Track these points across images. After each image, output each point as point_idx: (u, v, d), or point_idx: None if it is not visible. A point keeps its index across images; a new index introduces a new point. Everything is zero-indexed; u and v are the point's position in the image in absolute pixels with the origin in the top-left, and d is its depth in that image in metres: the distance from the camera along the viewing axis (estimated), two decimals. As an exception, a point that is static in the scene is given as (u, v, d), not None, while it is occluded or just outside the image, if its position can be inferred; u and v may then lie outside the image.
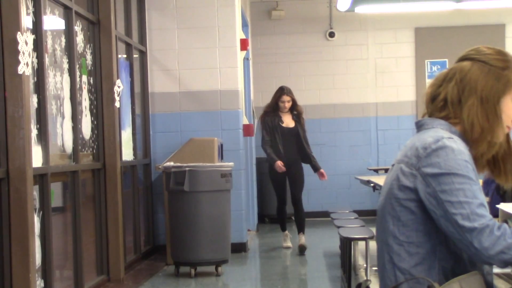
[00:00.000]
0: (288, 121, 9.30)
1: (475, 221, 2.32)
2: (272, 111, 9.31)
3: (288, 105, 9.28)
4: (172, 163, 7.75)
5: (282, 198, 9.46)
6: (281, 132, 9.21)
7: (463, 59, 2.59)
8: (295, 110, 9.35)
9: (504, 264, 2.33)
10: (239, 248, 8.91)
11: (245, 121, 9.70)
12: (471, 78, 2.52)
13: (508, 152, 2.57)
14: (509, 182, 2.59)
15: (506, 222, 2.60)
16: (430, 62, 12.81)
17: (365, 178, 8.77)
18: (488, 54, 2.55)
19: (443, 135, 2.46)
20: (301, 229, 9.46)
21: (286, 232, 9.77)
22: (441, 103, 2.56)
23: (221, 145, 8.70)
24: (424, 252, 2.44)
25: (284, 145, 9.21)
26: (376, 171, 11.90)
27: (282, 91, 9.38)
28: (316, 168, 9.39)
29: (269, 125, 9.23)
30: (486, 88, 2.50)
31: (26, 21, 5.17)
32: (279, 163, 8.97)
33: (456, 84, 2.53)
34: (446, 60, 12.64)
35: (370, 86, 12.87)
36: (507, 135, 2.56)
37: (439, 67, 12.68)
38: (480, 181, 2.55)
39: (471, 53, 2.58)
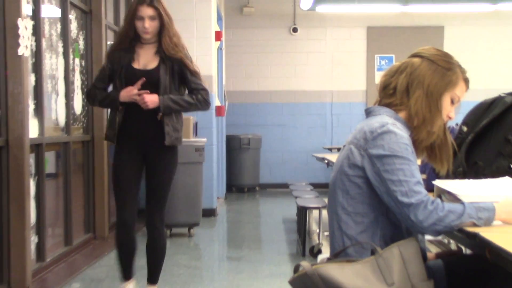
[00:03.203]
0: (147, 60, 4.40)
1: (412, 197, 2.34)
2: (127, 42, 4.42)
3: (150, 25, 4.33)
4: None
5: (125, 209, 4.38)
6: (128, 77, 4.32)
7: (414, 55, 2.61)
8: (165, 42, 4.35)
9: (437, 234, 2.35)
10: (209, 213, 8.91)
11: (217, 103, 9.66)
12: (419, 73, 2.54)
13: (444, 142, 2.60)
14: (444, 168, 2.62)
15: (440, 196, 2.62)
16: (379, 57, 12.84)
17: (321, 155, 8.79)
18: (437, 55, 2.57)
19: (388, 121, 2.47)
20: (152, 278, 4.58)
21: (131, 282, 4.53)
22: (391, 91, 2.58)
23: (196, 124, 8.66)
24: (368, 221, 2.46)
25: (135, 106, 4.28)
26: (330, 149, 11.94)
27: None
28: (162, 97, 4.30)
29: (109, 65, 4.45)
30: (432, 83, 2.53)
31: (26, 8, 5.10)
32: (127, 89, 4.27)
33: (406, 76, 2.55)
34: (393, 55, 12.67)
35: (327, 76, 12.88)
36: (445, 128, 2.59)
37: (387, 61, 12.72)
38: (419, 161, 2.58)
39: (422, 52, 2.60)
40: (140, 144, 4.36)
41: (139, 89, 4.27)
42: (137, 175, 4.40)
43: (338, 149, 10.86)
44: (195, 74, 4.41)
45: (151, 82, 4.27)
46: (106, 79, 4.46)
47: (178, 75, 4.38)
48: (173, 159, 4.42)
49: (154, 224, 4.51)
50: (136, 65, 4.39)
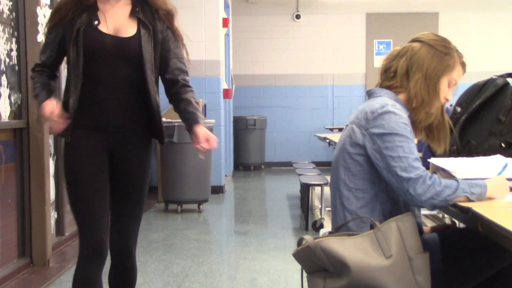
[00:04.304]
0: (118, 23, 2.79)
1: (411, 172, 2.34)
2: None
3: None
4: (164, 119, 7.71)
5: (95, 234, 2.74)
6: (91, 45, 2.73)
7: (414, 40, 2.60)
8: None
9: (433, 207, 2.36)
10: (218, 190, 8.93)
11: (224, 86, 9.65)
12: (419, 57, 2.53)
13: (442, 123, 2.59)
14: (441, 147, 2.63)
15: (435, 173, 2.62)
16: (378, 42, 12.79)
17: (322, 135, 8.78)
18: (435, 40, 2.56)
19: (388, 102, 2.47)
20: None
21: None
22: (392, 74, 2.57)
23: (205, 105, 8.66)
24: (369, 197, 2.46)
25: (98, 85, 2.77)
26: (331, 129, 11.92)
27: None
28: (193, 120, 2.82)
29: (60, 28, 2.80)
30: (430, 67, 2.52)
31: (45, -3, 5.10)
32: (48, 106, 2.73)
33: (406, 60, 2.54)
34: (391, 40, 12.62)
35: (328, 60, 12.84)
36: (442, 110, 2.58)
37: (385, 46, 12.66)
38: (416, 140, 2.58)
39: (422, 37, 2.59)
40: (108, 139, 2.82)
41: (95, 65, 2.76)
42: (105, 184, 2.84)
43: (339, 129, 10.85)
44: (181, 42, 2.92)
45: (127, 57, 2.77)
46: (54, 50, 2.87)
47: (160, 46, 2.86)
48: (151, 158, 2.97)
49: (126, 249, 2.90)
50: (104, 28, 2.78)
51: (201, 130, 2.80)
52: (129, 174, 2.87)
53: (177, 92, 2.92)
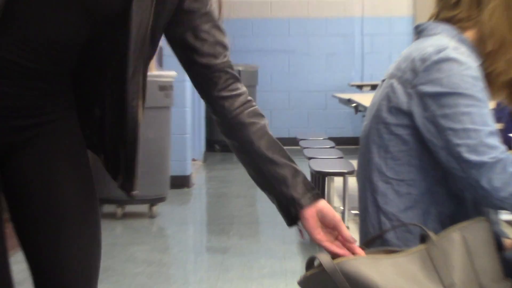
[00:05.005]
0: None
1: (484, 154, 2.34)
2: None
3: None
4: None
5: None
6: None
7: None
8: None
9: (519, 209, 2.37)
10: (181, 183, 8.96)
11: (192, 18, 9.64)
12: (496, -26, 2.53)
13: None
14: None
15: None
16: (434, -51, 12.82)
17: (346, 96, 8.81)
18: None
19: (448, 44, 2.47)
20: None
21: None
22: (454, 0, 2.57)
23: (161, 49, 8.65)
24: (418, 193, 2.47)
25: (21, 41, 2.15)
26: (360, 87, 11.96)
27: None
28: (310, 190, 2.52)
29: None
30: (515, -10, 2.52)
31: None
32: None
33: None
34: None
35: (355, -22, 12.88)
36: None
37: (444, -45, 12.70)
38: (492, 103, 2.58)
39: None
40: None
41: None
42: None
43: (373, 87, 10.89)
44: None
45: (100, 11, 2.24)
46: None
47: (180, 4, 2.40)
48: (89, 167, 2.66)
49: None
50: None
51: (339, 220, 2.40)
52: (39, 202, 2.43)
53: (227, 98, 2.52)
